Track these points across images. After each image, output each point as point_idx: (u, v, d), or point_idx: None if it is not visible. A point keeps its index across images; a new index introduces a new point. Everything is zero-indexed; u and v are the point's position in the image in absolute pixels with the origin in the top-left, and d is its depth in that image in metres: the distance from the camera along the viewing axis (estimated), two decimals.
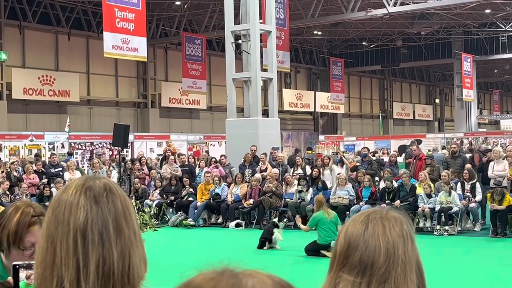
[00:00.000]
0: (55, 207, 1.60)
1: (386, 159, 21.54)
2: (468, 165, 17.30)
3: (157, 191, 19.30)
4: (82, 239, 1.55)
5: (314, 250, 12.64)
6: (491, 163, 16.72)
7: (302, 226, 13.63)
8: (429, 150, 27.61)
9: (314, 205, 16.82)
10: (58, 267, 1.55)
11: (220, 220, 18.22)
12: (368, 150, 20.58)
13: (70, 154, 26.45)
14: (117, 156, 22.27)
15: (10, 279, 2.03)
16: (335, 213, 13.37)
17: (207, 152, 28.47)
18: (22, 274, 2.03)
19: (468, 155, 20.83)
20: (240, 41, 22.37)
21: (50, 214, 1.60)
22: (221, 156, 21.93)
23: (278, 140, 22.99)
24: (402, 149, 28.82)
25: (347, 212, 16.25)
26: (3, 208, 13.31)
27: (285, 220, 16.29)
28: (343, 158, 20.20)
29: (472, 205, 15.65)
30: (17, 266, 2.03)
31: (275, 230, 13.66)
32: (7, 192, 17.03)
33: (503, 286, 9.92)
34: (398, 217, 1.88)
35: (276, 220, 14.31)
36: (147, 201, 18.82)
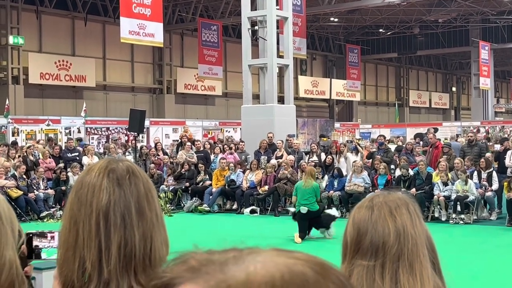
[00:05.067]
0: (78, 189, 1.61)
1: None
2: (488, 154, 17.23)
3: (171, 177, 19.37)
4: (105, 221, 1.56)
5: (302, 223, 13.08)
6: (508, 152, 16.62)
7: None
8: (446, 138, 27.49)
9: (329, 192, 16.93)
10: (80, 248, 1.56)
11: (235, 206, 18.26)
12: (384, 138, 20.51)
13: (80, 140, 25.97)
14: (133, 141, 22.35)
15: (24, 247, 2.04)
16: (316, 184, 13.48)
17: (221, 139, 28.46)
18: (35, 242, 2.06)
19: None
20: (256, 27, 22.31)
21: (73, 196, 1.61)
22: (233, 139, 21.94)
23: (293, 127, 22.95)
24: (417, 137, 28.68)
25: (360, 202, 16.18)
26: (20, 192, 13.27)
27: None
28: (358, 146, 20.15)
29: (489, 194, 15.57)
30: (31, 235, 2.05)
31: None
32: (24, 176, 17.16)
33: None
34: (402, 197, 1.91)
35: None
36: (163, 186, 18.89)
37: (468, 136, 18.90)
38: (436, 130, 25.10)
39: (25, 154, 18.57)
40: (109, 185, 1.59)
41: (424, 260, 1.81)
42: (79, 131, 28.96)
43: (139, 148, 21.62)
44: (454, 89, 62.05)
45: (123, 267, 1.55)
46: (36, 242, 2.06)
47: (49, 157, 18.93)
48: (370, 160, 18.34)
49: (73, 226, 1.58)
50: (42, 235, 2.07)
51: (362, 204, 1.93)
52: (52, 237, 2.05)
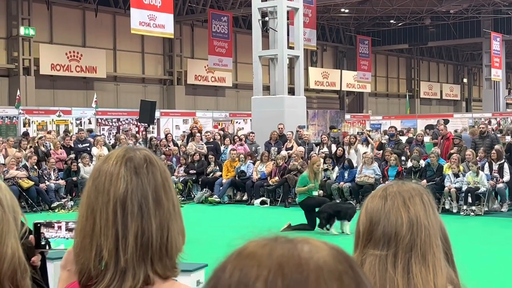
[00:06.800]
0: (96, 177, 1.61)
1: (427, 139, 21.69)
2: (497, 146, 17.12)
3: (182, 168, 19.41)
4: (122, 209, 1.56)
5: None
6: None
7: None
8: (455, 130, 27.34)
9: (339, 183, 16.90)
10: (97, 237, 1.56)
11: (245, 198, 18.27)
12: (396, 129, 20.45)
13: (90, 131, 25.71)
14: (143, 132, 22.39)
15: (31, 237, 2.04)
16: (303, 174, 13.74)
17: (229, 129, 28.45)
18: (43, 230, 2.06)
19: None
20: (266, 18, 22.26)
21: (90, 184, 1.61)
22: (246, 132, 21.93)
23: (304, 118, 22.93)
24: (428, 128, 28.62)
25: (373, 191, 16.14)
26: (32, 182, 13.34)
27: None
28: (368, 137, 20.10)
29: (500, 185, 15.51)
30: (39, 224, 2.05)
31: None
32: (35, 167, 17.23)
33: None
34: (416, 187, 1.89)
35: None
36: (173, 177, 18.92)
37: (480, 128, 18.81)
38: (446, 121, 25.00)
39: (36, 145, 18.64)
40: (126, 173, 1.59)
41: (437, 251, 1.81)
42: (89, 122, 29.04)
43: (149, 139, 21.66)
44: (465, 80, 61.75)
45: (140, 256, 1.55)
46: (43, 231, 2.06)
47: (61, 148, 19.01)
48: (381, 152, 18.31)
49: (90, 214, 1.58)
50: (49, 225, 2.06)
51: (375, 193, 1.92)
52: (59, 227, 2.05)
